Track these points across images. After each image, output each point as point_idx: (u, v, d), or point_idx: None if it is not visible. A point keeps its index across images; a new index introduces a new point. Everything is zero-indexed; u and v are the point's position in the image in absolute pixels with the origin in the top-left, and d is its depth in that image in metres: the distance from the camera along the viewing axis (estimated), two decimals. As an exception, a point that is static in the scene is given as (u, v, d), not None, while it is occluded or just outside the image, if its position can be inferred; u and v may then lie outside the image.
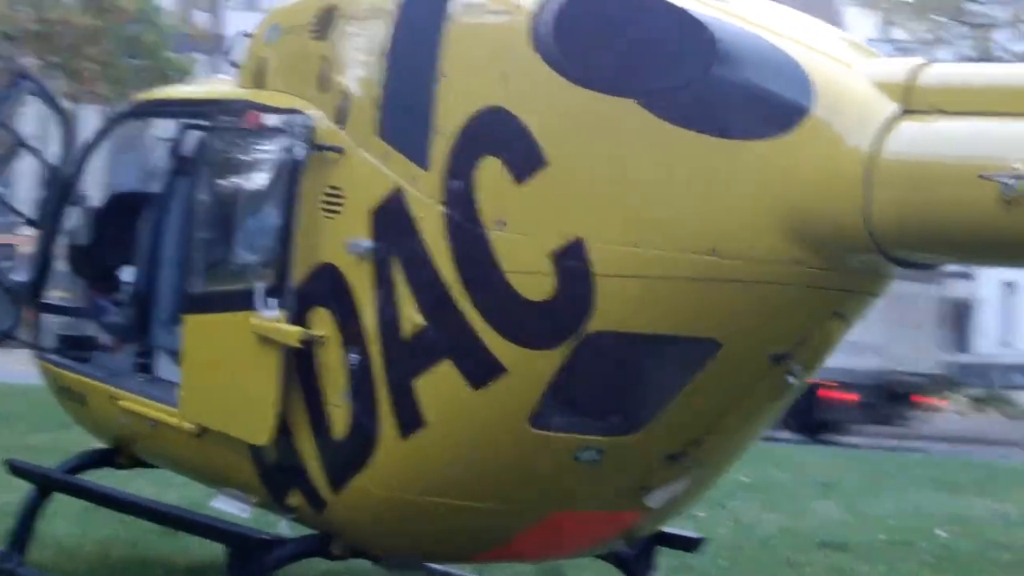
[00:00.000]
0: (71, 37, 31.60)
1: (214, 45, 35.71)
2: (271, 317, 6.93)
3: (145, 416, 8.22)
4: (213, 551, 8.35)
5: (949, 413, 36.09)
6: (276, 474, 7.27)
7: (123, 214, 9.68)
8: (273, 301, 6.93)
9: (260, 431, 7.05)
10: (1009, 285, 56.97)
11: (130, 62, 32.75)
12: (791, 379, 5.99)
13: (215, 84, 8.72)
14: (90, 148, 9.45)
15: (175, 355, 8.57)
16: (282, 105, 7.23)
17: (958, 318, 45.24)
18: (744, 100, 5.60)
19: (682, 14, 5.73)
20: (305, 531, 7.42)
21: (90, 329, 9.89)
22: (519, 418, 6.21)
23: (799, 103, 5.50)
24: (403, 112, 6.57)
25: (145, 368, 8.86)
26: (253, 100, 7.44)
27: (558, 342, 6.02)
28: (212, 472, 7.89)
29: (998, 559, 11.45)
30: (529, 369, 6.12)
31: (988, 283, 55.87)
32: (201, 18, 36.57)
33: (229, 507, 7.83)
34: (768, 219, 5.54)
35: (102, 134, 9.44)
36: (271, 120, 7.20)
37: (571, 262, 5.90)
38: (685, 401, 6.10)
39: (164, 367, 8.68)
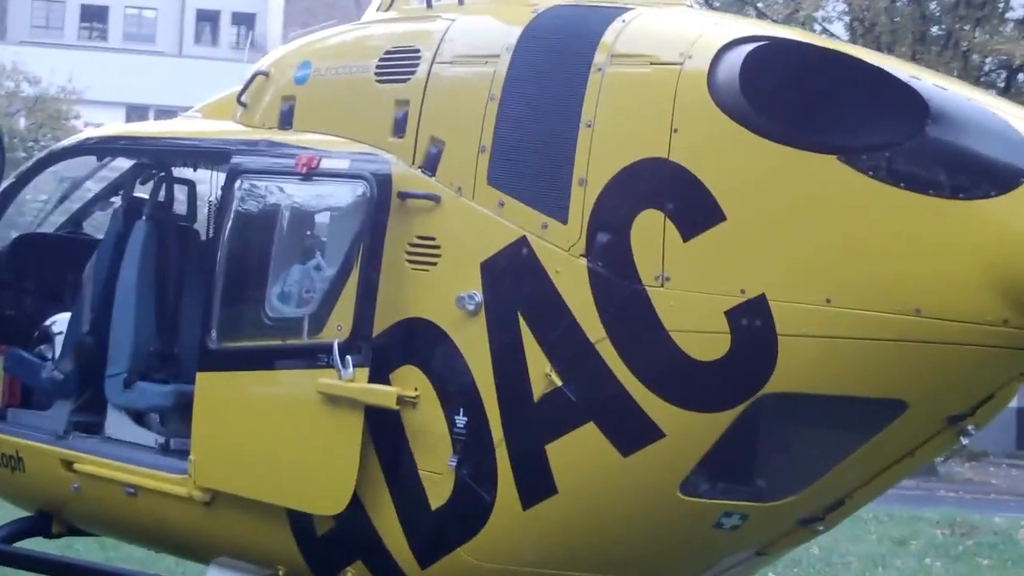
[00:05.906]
0: None
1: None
2: (349, 376, 6.40)
3: (120, 482, 7.50)
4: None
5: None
6: (327, 547, 6.72)
7: (29, 258, 8.89)
8: (348, 359, 6.41)
9: (332, 501, 6.49)
10: None
11: None
12: (963, 440, 5.92)
13: (203, 124, 8.03)
14: (18, 185, 8.65)
15: (137, 415, 7.90)
16: (346, 150, 6.73)
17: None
18: (961, 160, 5.51)
19: (885, 73, 5.62)
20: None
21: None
22: (670, 485, 5.90)
23: (1020, 165, 5.46)
24: (527, 161, 6.20)
25: (87, 427, 8.10)
26: (313, 145, 6.87)
27: (729, 405, 5.75)
28: (217, 543, 7.23)
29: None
30: (691, 433, 5.82)
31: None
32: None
33: None
34: (982, 279, 5.44)
35: (36, 171, 8.62)
36: (334, 164, 6.69)
37: (751, 320, 5.64)
38: (849, 463, 5.94)
39: (117, 426, 7.95)
